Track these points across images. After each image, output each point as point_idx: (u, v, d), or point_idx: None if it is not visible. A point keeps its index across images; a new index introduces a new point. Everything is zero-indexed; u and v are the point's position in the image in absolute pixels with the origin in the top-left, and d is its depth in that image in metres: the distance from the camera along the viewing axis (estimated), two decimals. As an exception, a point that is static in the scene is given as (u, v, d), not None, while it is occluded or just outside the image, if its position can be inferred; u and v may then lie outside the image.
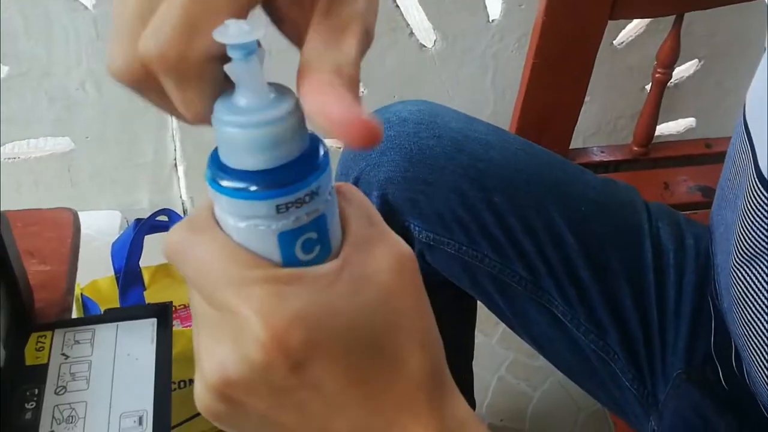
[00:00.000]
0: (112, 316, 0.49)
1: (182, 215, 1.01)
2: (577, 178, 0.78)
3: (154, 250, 1.02)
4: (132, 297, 0.94)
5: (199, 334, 0.30)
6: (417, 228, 0.76)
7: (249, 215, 0.28)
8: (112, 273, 0.99)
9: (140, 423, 0.44)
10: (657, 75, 1.16)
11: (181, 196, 1.40)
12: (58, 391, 0.45)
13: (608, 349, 0.73)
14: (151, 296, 0.97)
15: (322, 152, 0.29)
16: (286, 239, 0.29)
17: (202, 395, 0.30)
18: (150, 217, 0.97)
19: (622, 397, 0.75)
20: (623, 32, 1.35)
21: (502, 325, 1.33)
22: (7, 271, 0.44)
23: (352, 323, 0.28)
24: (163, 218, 0.99)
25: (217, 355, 0.28)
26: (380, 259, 0.30)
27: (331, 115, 0.26)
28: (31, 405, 0.44)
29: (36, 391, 0.45)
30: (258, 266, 0.28)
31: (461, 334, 0.98)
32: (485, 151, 0.76)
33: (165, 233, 0.98)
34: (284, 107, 0.27)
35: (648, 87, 1.39)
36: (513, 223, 0.73)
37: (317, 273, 0.28)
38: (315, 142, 0.30)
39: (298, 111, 0.28)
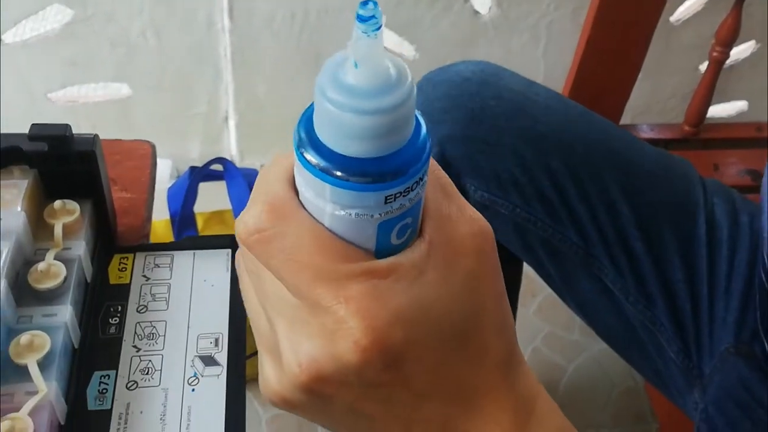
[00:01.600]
0: (189, 243, 0.51)
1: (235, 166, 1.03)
2: (634, 149, 0.78)
3: (207, 197, 1.05)
4: (185, 241, 0.96)
5: (280, 323, 0.28)
6: (473, 187, 0.77)
7: (352, 205, 0.26)
8: (165, 217, 1.01)
9: (216, 344, 0.46)
10: (714, 54, 1.15)
11: (230, 150, 1.42)
12: (139, 309, 0.47)
13: (655, 320, 0.73)
14: (203, 241, 0.98)
15: (424, 131, 0.27)
16: (385, 227, 0.27)
17: (282, 386, 0.29)
18: (205, 165, 0.99)
19: (666, 369, 0.75)
20: (681, 9, 1.33)
21: (539, 297, 1.35)
22: (97, 190, 0.46)
23: (445, 315, 0.28)
24: (218, 167, 1.01)
25: (306, 350, 0.27)
26: (464, 239, 0.29)
27: None
28: (115, 321, 0.46)
29: (119, 308, 0.47)
30: (353, 258, 0.27)
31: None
32: (545, 115, 0.77)
33: (219, 182, 0.99)
34: (404, 89, 0.25)
35: (702, 67, 1.38)
36: (569, 189, 0.74)
37: (410, 262, 0.27)
38: (417, 120, 0.27)
39: (414, 90, 0.25)
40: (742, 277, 0.71)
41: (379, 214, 0.26)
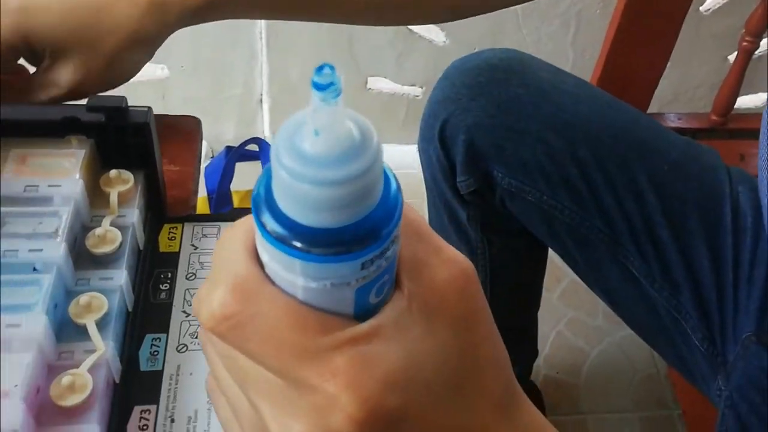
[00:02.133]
0: (236, 215, 0.53)
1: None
2: (661, 138, 0.79)
3: (240, 177, 1.08)
4: (220, 218, 0.99)
5: (265, 406, 0.27)
6: (500, 174, 0.78)
7: (326, 276, 0.24)
8: (201, 194, 1.04)
9: (260, 312, 0.49)
10: (744, 43, 1.15)
11: (264, 132, 1.45)
12: (188, 276, 0.50)
13: (681, 307, 0.74)
14: (238, 219, 1.01)
15: (394, 187, 0.25)
16: (363, 291, 0.25)
17: None
18: (242, 144, 1.01)
19: (690, 356, 0.76)
20: (711, -1, 1.34)
21: (564, 282, 1.37)
22: (150, 162, 0.49)
23: (436, 369, 0.27)
24: (254, 147, 1.03)
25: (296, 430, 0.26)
26: (444, 284, 0.27)
27: None
28: (166, 287, 0.49)
29: (169, 274, 0.49)
30: (332, 327, 0.25)
31: (531, 283, 1.01)
32: (573, 104, 0.78)
33: (253, 162, 1.02)
34: (369, 153, 0.23)
35: (731, 58, 1.38)
36: (596, 177, 0.75)
37: (392, 320, 0.26)
38: (385, 175, 0.25)
39: (380, 150, 0.23)
40: (764, 266, 0.72)
41: (356, 280, 0.24)
